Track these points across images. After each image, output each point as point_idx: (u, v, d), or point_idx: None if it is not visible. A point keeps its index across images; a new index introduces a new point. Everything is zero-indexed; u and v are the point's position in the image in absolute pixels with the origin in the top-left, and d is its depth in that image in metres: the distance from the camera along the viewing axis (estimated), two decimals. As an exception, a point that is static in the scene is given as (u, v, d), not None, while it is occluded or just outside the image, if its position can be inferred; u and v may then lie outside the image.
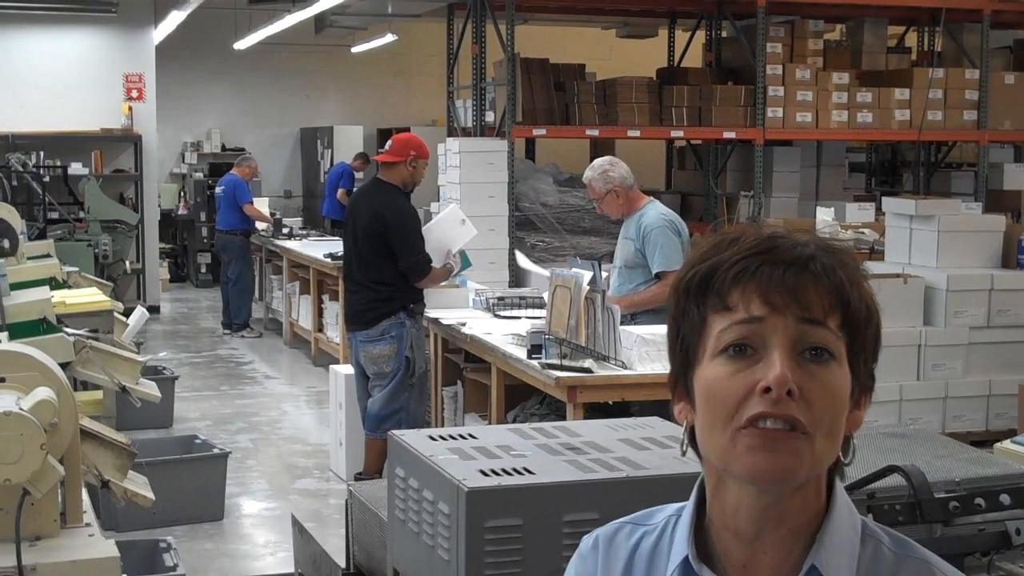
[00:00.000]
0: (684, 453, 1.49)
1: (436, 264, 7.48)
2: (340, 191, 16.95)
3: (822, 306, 1.39)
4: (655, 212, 6.95)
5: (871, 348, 1.44)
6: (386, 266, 7.28)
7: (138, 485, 3.94)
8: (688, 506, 1.51)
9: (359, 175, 17.15)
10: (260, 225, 14.30)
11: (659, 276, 6.85)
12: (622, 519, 1.59)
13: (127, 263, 14.32)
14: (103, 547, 3.19)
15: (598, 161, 7.20)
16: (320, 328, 12.36)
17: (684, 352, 1.45)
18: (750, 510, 1.42)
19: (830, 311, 1.39)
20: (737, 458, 1.38)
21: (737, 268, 1.40)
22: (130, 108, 15.71)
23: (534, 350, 6.35)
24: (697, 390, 1.43)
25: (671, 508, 1.55)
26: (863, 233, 10.89)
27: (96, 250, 13.33)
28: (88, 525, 3.31)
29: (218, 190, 14.34)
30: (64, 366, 3.86)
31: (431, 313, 7.66)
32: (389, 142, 7.59)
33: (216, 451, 7.44)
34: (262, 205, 14.52)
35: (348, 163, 17.44)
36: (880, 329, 1.45)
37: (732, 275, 1.40)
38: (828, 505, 1.44)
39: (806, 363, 1.37)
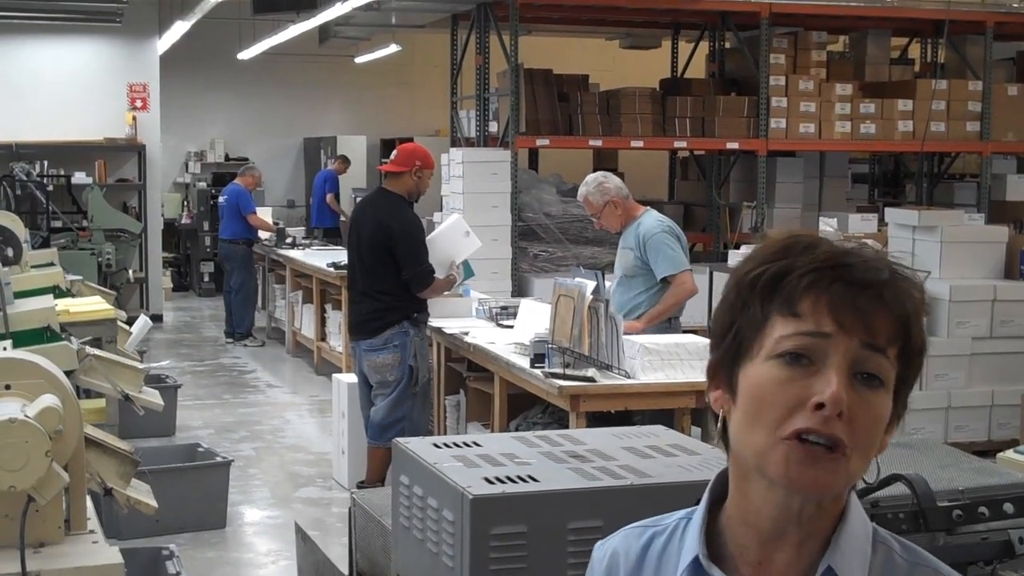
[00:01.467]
0: (718, 443, 1.49)
1: (439, 275, 7.49)
2: (329, 196, 17.24)
3: (887, 335, 1.39)
4: (652, 219, 6.99)
5: (914, 379, 1.46)
6: (390, 275, 7.28)
7: (141, 493, 3.94)
8: (700, 507, 1.51)
9: (343, 177, 17.47)
10: (263, 234, 14.31)
11: (665, 281, 6.87)
12: (632, 524, 1.60)
13: (130, 272, 14.33)
14: (107, 554, 3.19)
15: (590, 177, 7.24)
16: (323, 337, 12.36)
17: (737, 345, 1.45)
18: (775, 509, 1.43)
19: (892, 341, 1.40)
20: (776, 463, 1.39)
21: (811, 277, 1.40)
22: (134, 118, 15.73)
23: (537, 359, 6.36)
24: (743, 386, 1.43)
25: (682, 512, 1.56)
26: (866, 244, 10.88)
27: (99, 259, 13.34)
28: (92, 532, 3.31)
29: (221, 199, 14.36)
30: (68, 374, 3.86)
31: (434, 322, 7.67)
32: (394, 152, 7.59)
33: (219, 459, 7.44)
34: (265, 215, 14.54)
35: (330, 168, 17.74)
36: (923, 361, 1.46)
37: (805, 283, 1.40)
38: (844, 510, 1.45)
39: (858, 385, 1.38)
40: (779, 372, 1.39)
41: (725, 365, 1.47)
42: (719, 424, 1.48)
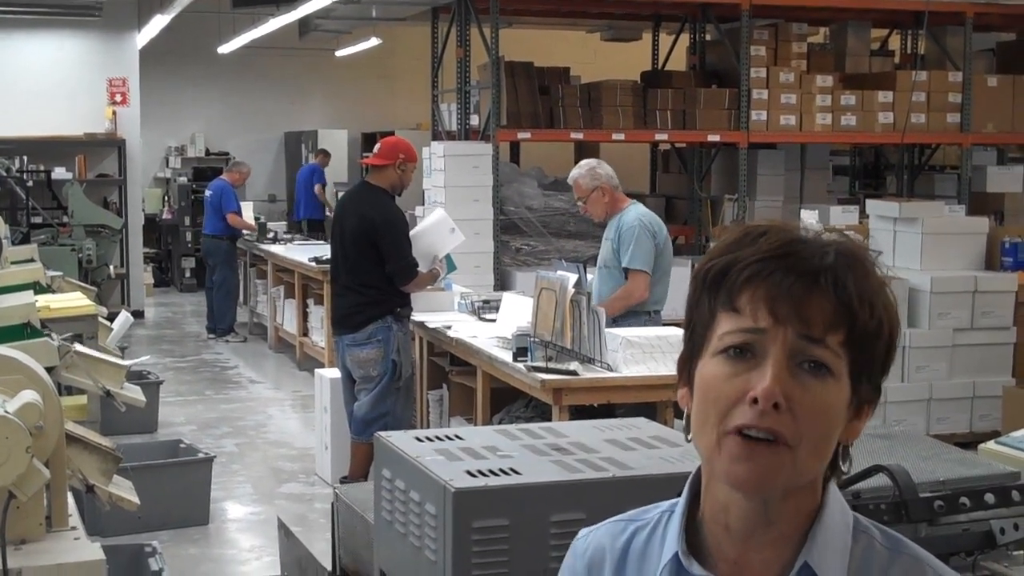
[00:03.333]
0: (689, 440, 1.48)
1: (423, 268, 7.48)
2: (318, 187, 17.50)
3: (823, 323, 1.37)
4: (634, 213, 7.00)
5: (879, 363, 1.43)
6: (373, 269, 7.27)
7: (123, 489, 3.93)
8: (681, 501, 1.50)
9: (327, 169, 17.62)
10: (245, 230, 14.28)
11: (626, 274, 6.89)
12: (615, 517, 1.59)
13: (111, 268, 14.28)
14: (89, 550, 3.18)
15: (584, 161, 7.28)
16: (305, 332, 12.35)
17: (692, 341, 1.45)
18: (740, 510, 1.42)
19: (832, 328, 1.37)
20: (720, 462, 1.38)
21: (751, 270, 1.39)
22: (114, 112, 15.67)
23: (519, 353, 6.35)
24: (696, 383, 1.43)
25: (665, 504, 1.55)
26: (848, 235, 10.91)
27: (80, 255, 13.29)
28: (74, 529, 3.30)
29: (207, 194, 14.32)
30: (49, 370, 3.85)
31: (416, 316, 7.66)
32: (377, 145, 7.58)
33: (201, 456, 7.42)
34: (247, 209, 14.47)
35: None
36: (894, 341, 1.43)
37: (744, 277, 1.39)
38: (821, 504, 1.43)
39: (802, 374, 1.36)
40: (723, 368, 1.39)
41: (686, 362, 1.47)
42: (685, 420, 1.48)
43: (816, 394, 1.37)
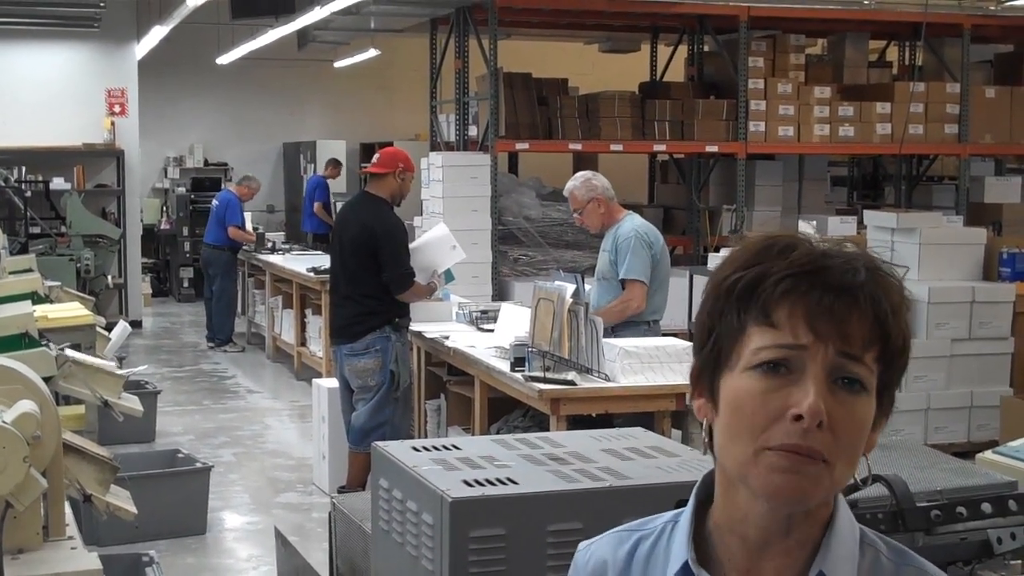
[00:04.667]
0: (706, 452, 1.47)
1: (421, 281, 7.49)
2: (317, 205, 16.79)
3: (863, 340, 1.37)
4: (630, 224, 7.01)
5: (899, 377, 1.44)
6: (373, 279, 7.27)
7: (120, 499, 3.92)
8: (687, 510, 1.50)
9: (332, 182, 17.15)
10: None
11: (623, 284, 6.89)
12: (616, 528, 1.58)
13: (109, 278, 14.26)
14: (86, 560, 3.18)
15: (580, 173, 7.30)
16: (303, 342, 12.34)
17: (716, 353, 1.43)
18: (760, 519, 1.42)
19: (869, 345, 1.38)
20: (757, 475, 1.37)
21: (786, 284, 1.38)
22: (112, 123, 15.67)
23: (517, 363, 6.35)
24: (724, 396, 1.42)
25: (668, 515, 1.54)
26: (844, 243, 10.91)
27: (78, 265, 13.27)
28: (71, 538, 3.30)
29: (213, 204, 14.31)
30: (46, 380, 3.84)
31: (415, 326, 7.66)
32: (376, 155, 7.60)
33: (199, 465, 7.42)
34: (246, 220, 14.46)
35: (321, 174, 17.34)
36: (909, 356, 1.44)
37: (781, 290, 1.38)
38: (832, 514, 1.44)
39: (838, 390, 1.37)
40: (757, 383, 1.38)
41: (706, 373, 1.45)
42: (704, 432, 1.47)
43: (852, 410, 1.37)
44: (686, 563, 1.45)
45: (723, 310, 1.42)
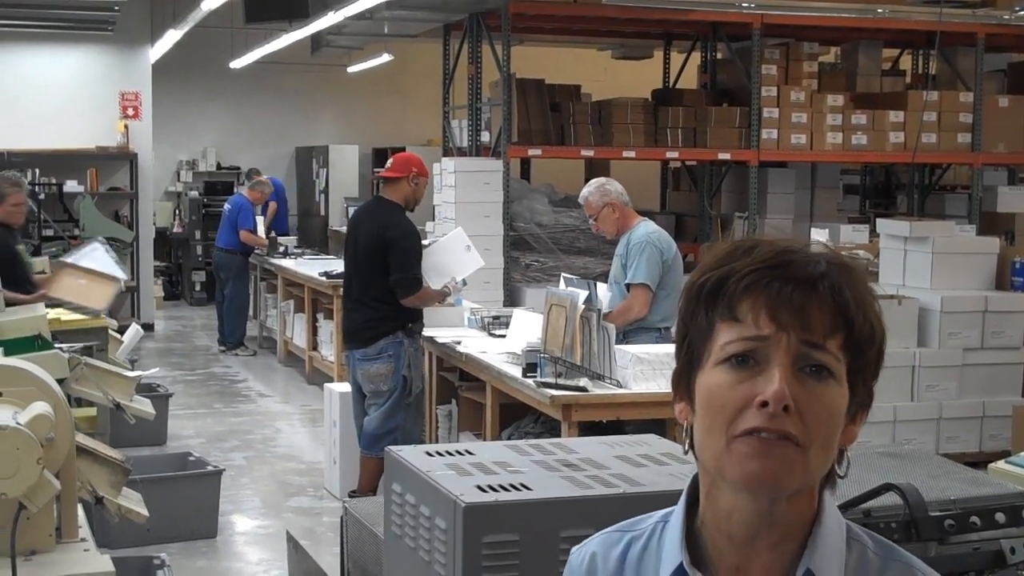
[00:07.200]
0: (687, 452, 1.50)
1: (435, 285, 7.50)
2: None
3: (824, 328, 1.41)
4: (644, 230, 7.04)
5: (872, 367, 1.46)
6: (385, 283, 7.28)
7: (132, 502, 3.92)
8: (677, 510, 1.52)
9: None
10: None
11: (628, 288, 6.91)
12: (608, 528, 1.61)
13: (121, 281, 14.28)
14: (98, 562, 3.19)
15: (594, 179, 7.34)
16: (314, 346, 12.35)
17: (689, 354, 1.48)
18: (744, 514, 1.44)
19: (832, 333, 1.41)
20: (731, 464, 1.40)
21: (748, 280, 1.42)
22: (126, 126, 15.71)
23: (529, 369, 6.35)
24: (698, 394, 1.45)
25: (657, 514, 1.57)
26: (857, 255, 10.91)
27: (91, 268, 13.29)
28: (83, 540, 3.31)
29: (225, 207, 14.29)
30: (59, 382, 3.85)
31: (426, 332, 7.67)
32: (390, 160, 7.61)
33: (210, 468, 7.43)
34: (258, 223, 14.47)
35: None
36: (883, 347, 1.47)
37: (743, 286, 1.42)
38: (818, 511, 1.46)
39: (805, 378, 1.40)
40: (726, 376, 1.41)
41: (684, 376, 1.49)
42: (685, 433, 1.50)
43: (821, 396, 1.40)
44: (680, 565, 1.47)
45: (694, 312, 1.47)
